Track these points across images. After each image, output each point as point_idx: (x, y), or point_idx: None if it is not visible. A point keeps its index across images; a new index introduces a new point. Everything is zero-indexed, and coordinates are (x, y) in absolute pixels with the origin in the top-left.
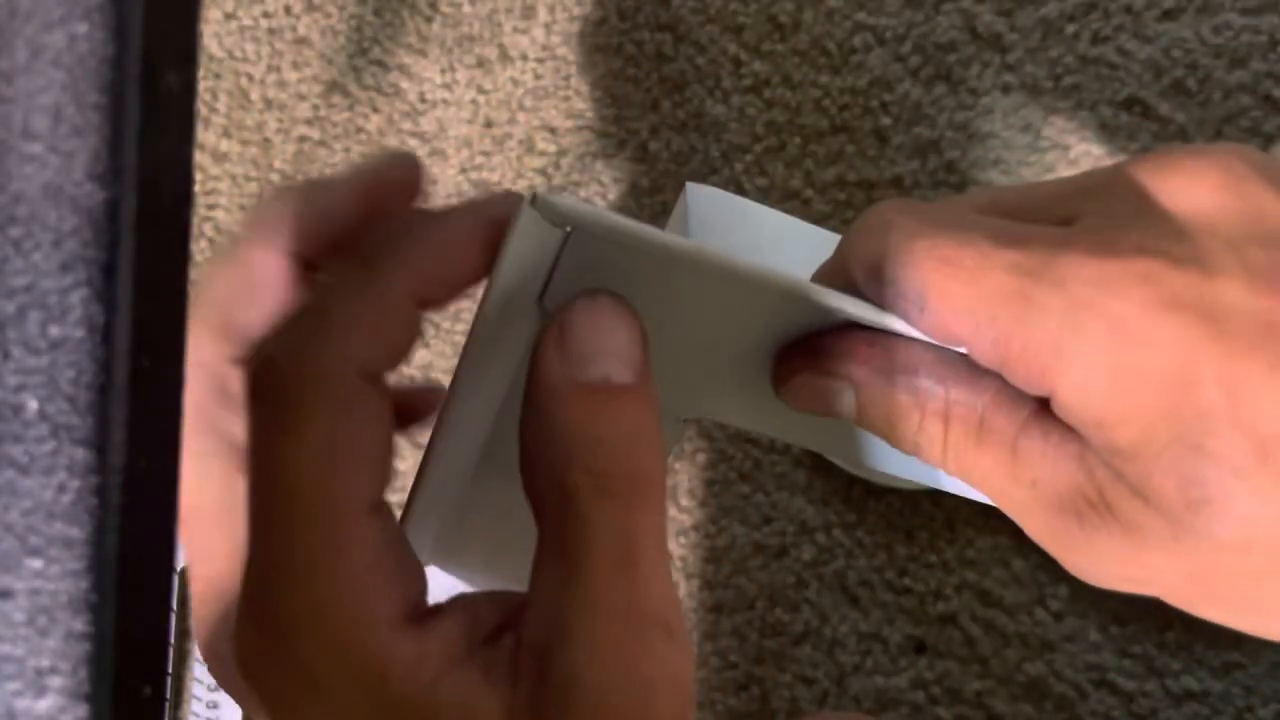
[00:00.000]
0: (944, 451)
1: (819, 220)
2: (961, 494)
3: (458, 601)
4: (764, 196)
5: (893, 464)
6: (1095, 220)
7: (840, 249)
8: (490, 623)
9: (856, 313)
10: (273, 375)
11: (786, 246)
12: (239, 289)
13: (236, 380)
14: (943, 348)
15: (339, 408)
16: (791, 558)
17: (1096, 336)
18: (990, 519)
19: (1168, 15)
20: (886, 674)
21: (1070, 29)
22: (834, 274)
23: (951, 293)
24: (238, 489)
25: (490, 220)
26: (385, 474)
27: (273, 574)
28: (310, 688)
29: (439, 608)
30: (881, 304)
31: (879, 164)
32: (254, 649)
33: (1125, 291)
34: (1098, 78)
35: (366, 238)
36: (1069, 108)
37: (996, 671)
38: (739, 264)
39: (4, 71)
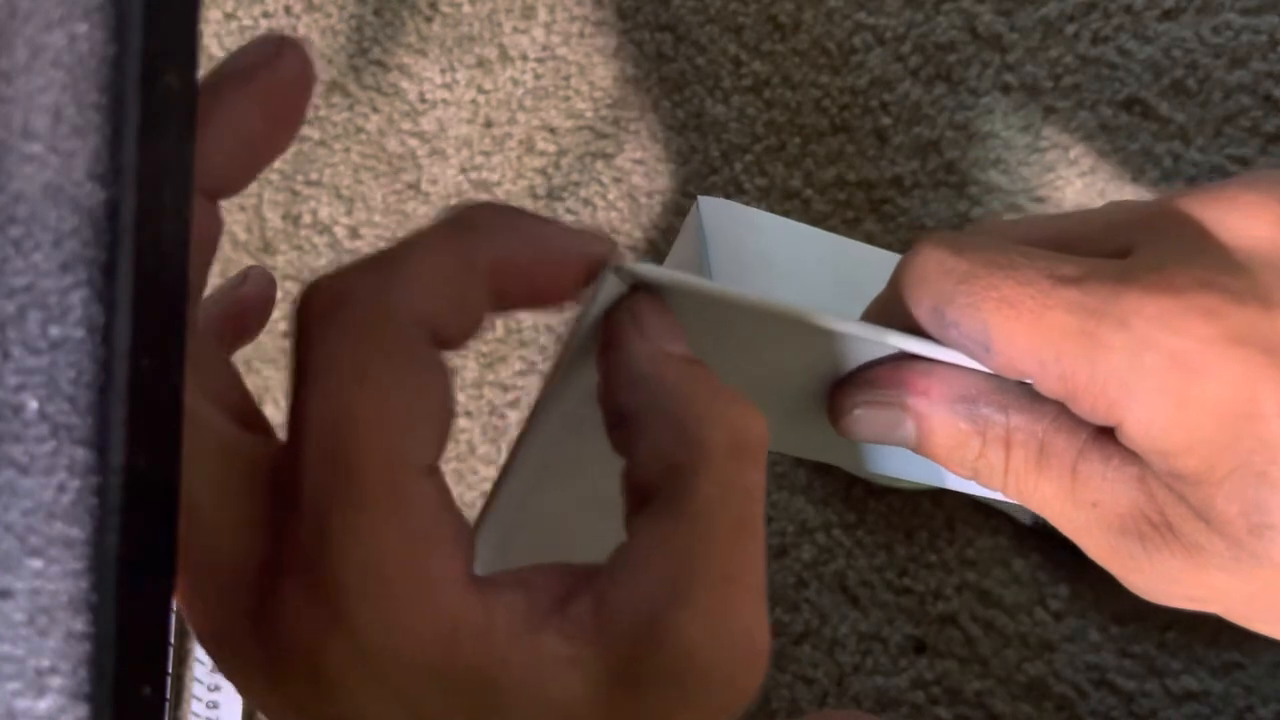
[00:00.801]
0: (1004, 477)
1: (819, 220)
2: (966, 492)
3: (508, 574)
4: (764, 196)
5: (910, 470)
6: (1152, 254)
7: (895, 287)
8: (552, 591)
9: (917, 349)
10: (345, 313)
11: (801, 255)
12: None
13: (193, 361)
14: (1000, 376)
15: (411, 360)
16: (791, 557)
17: (1162, 372)
18: (990, 519)
19: (1168, 15)
20: (886, 674)
21: (1070, 29)
22: (888, 310)
23: (1015, 333)
24: (237, 485)
25: (588, 258)
26: (445, 438)
27: (326, 531)
28: (362, 661)
29: (493, 578)
30: (944, 342)
31: (879, 164)
32: (298, 621)
33: (1188, 328)
34: (1098, 78)
35: (465, 205)
36: (1069, 108)
37: (996, 671)
38: (800, 310)
39: (4, 71)
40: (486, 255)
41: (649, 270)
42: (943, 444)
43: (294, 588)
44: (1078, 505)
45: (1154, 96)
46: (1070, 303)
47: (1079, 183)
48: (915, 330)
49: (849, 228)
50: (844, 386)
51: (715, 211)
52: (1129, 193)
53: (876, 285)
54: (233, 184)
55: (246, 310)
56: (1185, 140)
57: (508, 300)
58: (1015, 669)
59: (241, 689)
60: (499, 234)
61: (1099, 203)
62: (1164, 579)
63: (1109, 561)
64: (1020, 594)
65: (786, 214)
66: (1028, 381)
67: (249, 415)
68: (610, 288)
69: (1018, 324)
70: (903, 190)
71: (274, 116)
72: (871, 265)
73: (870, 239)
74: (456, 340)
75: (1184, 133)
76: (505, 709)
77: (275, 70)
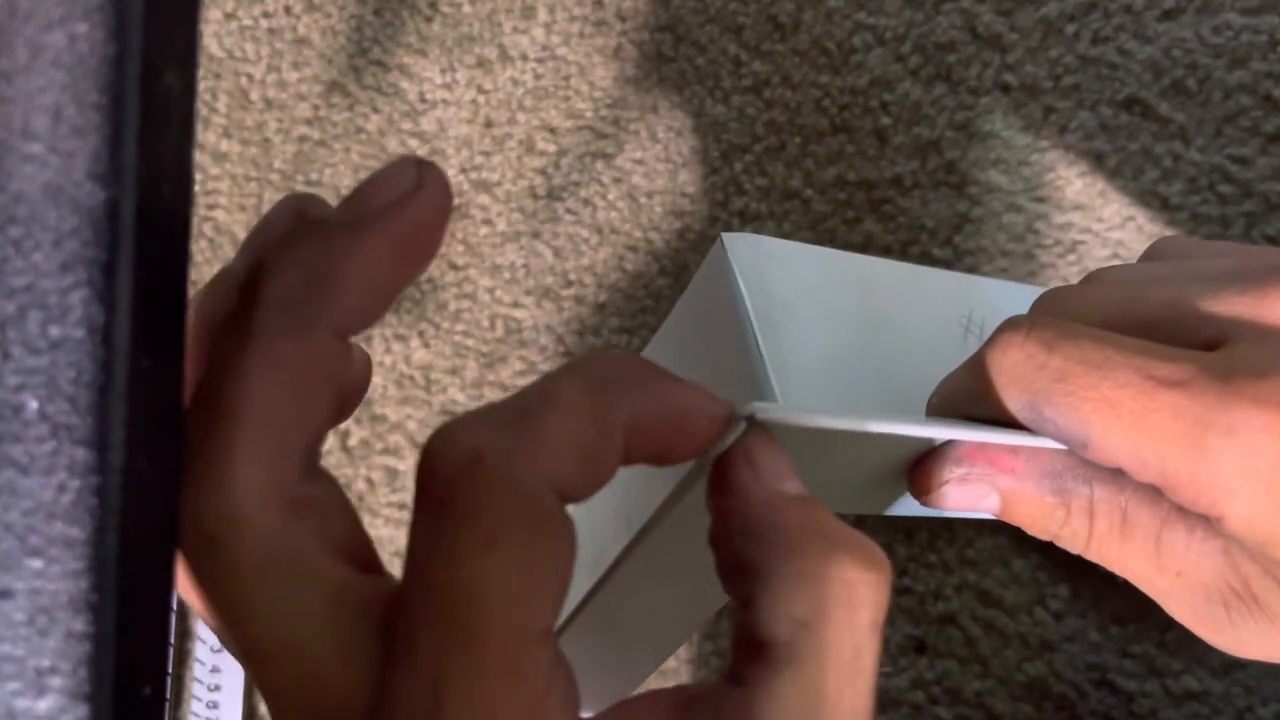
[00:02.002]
0: (1088, 543)
1: (819, 220)
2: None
3: (609, 714)
4: (764, 196)
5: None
6: (1252, 356)
7: (982, 378)
8: None
9: (1006, 441)
10: (479, 474)
11: (831, 281)
12: (287, 393)
13: (313, 507)
14: None
15: (540, 529)
16: None
17: (1267, 477)
18: (990, 519)
19: (1168, 15)
20: (886, 674)
21: (1070, 29)
22: (972, 397)
23: (1115, 434)
24: (347, 624)
25: (716, 421)
26: (563, 601)
27: (442, 692)
28: None
29: None
30: (1036, 433)
31: (879, 164)
32: None
33: None
34: (1098, 78)
35: (597, 357)
36: (1069, 108)
37: (996, 671)
38: (917, 431)
39: (4, 71)
40: (621, 418)
41: (787, 416)
42: (1028, 515)
43: None
44: (1162, 573)
45: (1154, 96)
46: (1174, 408)
47: (1079, 183)
48: (1001, 413)
49: (849, 228)
50: (930, 463)
51: (742, 248)
52: (1129, 192)
53: (905, 301)
54: (367, 322)
55: (348, 399)
56: (1185, 140)
57: (632, 456)
58: (1015, 669)
59: None
60: (633, 394)
61: (1099, 203)
62: (1248, 644)
63: (1193, 624)
64: (1020, 594)
65: (786, 214)
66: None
67: (363, 556)
68: (732, 434)
69: (1118, 425)
70: (903, 190)
71: (412, 256)
72: (899, 281)
73: (870, 239)
74: (583, 495)
75: (1184, 133)
76: None
77: (414, 209)
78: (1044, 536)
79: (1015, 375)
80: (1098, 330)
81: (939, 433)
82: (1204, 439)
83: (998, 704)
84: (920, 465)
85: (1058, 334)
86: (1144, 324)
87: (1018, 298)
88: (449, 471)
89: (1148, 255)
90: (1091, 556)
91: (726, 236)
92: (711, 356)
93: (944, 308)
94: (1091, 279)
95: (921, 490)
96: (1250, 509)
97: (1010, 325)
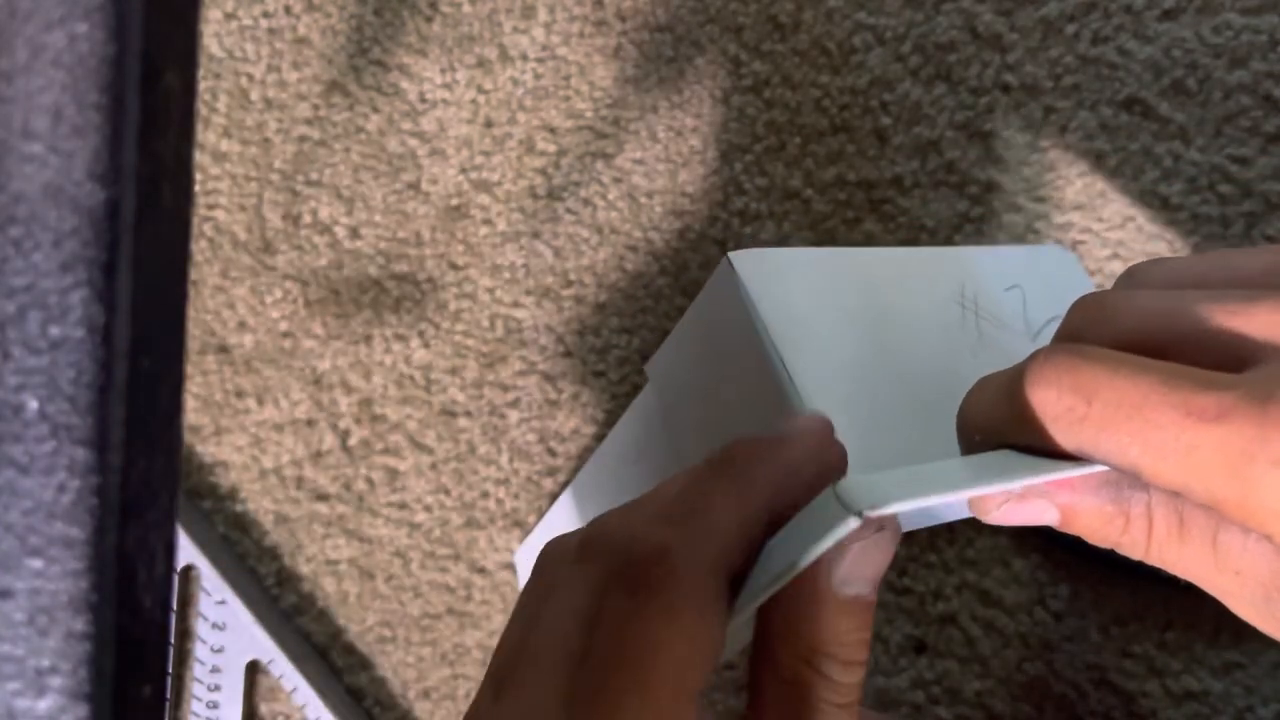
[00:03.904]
0: (1147, 549)
1: (819, 220)
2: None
3: None
4: (764, 196)
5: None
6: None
7: (1023, 410)
8: None
9: (1070, 475)
10: (666, 564)
11: (845, 283)
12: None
13: None
14: None
15: (709, 604)
16: None
17: None
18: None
19: (1168, 15)
20: (886, 674)
21: (1070, 29)
22: (1014, 426)
23: (1164, 470)
24: None
25: (831, 472)
26: (713, 670)
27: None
28: None
29: None
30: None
31: (879, 164)
32: None
33: None
34: (1098, 78)
35: (737, 453)
36: (1069, 108)
37: (996, 671)
38: (983, 490)
39: (4, 71)
40: (765, 501)
41: (888, 507)
42: (1088, 526)
43: None
44: (1221, 572)
45: (1154, 96)
46: (1217, 443)
47: (1079, 183)
48: (1050, 445)
49: (849, 228)
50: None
51: (750, 265)
52: (1129, 192)
53: (905, 290)
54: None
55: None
56: (1185, 140)
57: (775, 522)
58: (1015, 669)
59: None
60: (772, 477)
61: (1099, 203)
62: None
63: (1256, 621)
64: (1020, 594)
65: (786, 214)
66: None
67: None
68: (837, 524)
69: (1164, 463)
70: (903, 190)
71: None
72: (894, 270)
73: (870, 239)
74: (743, 570)
75: (1184, 133)
76: None
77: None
78: (1104, 545)
79: (1058, 426)
80: (1131, 361)
81: (1015, 485)
82: (1248, 471)
83: (998, 704)
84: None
85: (1092, 379)
86: (1182, 338)
87: (1003, 265)
88: (642, 560)
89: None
90: (1152, 561)
91: (734, 257)
92: (727, 375)
93: (939, 289)
94: (1131, 278)
95: (983, 511)
96: None
97: (1041, 371)
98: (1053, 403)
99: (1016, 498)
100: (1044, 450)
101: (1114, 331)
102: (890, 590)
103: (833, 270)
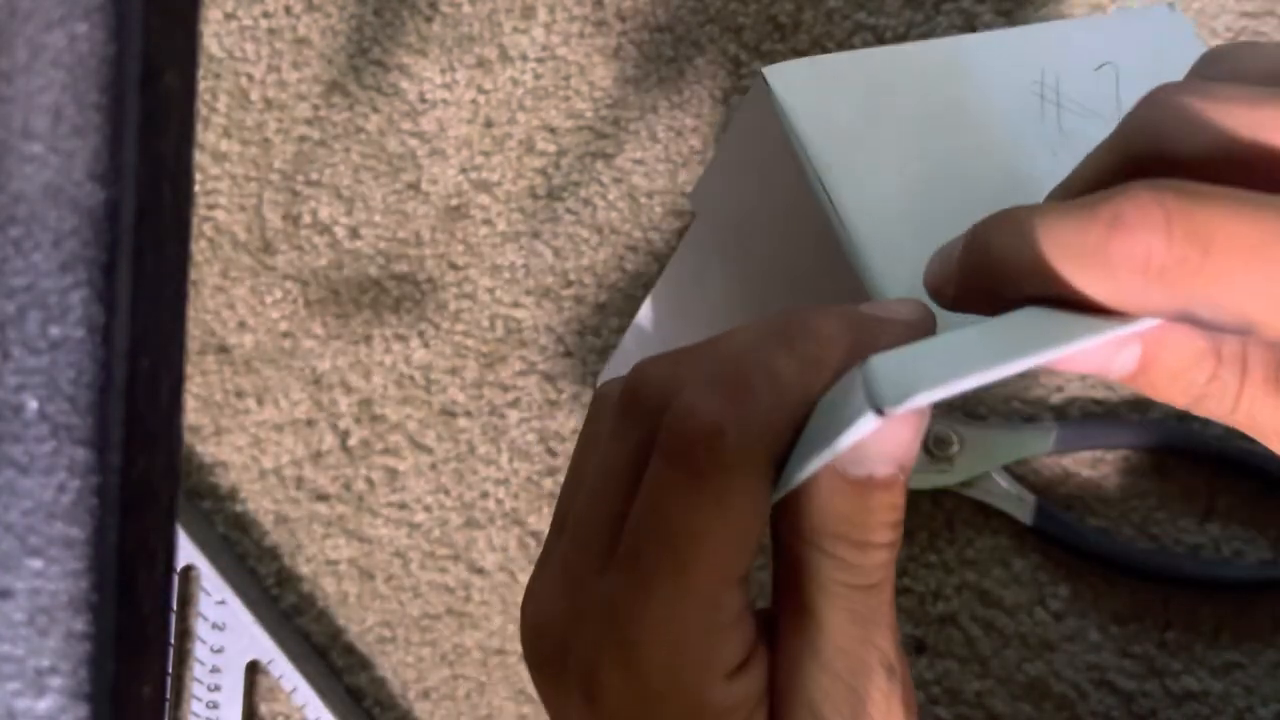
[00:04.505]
0: (1238, 399)
1: None
2: (967, 494)
3: (758, 655)
4: None
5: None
6: None
7: (1102, 254)
8: (768, 671)
9: (1132, 329)
10: (717, 447)
11: (903, 83)
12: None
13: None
14: None
15: (756, 489)
16: None
17: None
18: (990, 519)
19: None
20: None
21: None
22: (1079, 270)
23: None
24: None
25: (912, 329)
26: (756, 554)
27: (652, 611)
28: (644, 701)
29: (752, 664)
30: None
31: None
32: (609, 669)
33: None
34: None
35: (811, 322)
36: None
37: (996, 671)
38: (1033, 360)
39: (4, 71)
40: (826, 379)
41: (917, 398)
42: (1173, 365)
43: (605, 625)
44: None
45: None
46: None
47: None
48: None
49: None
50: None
51: (787, 78)
52: None
53: (973, 82)
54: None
55: None
56: None
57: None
58: (1015, 669)
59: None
60: (845, 364)
61: None
62: None
63: None
64: (1020, 594)
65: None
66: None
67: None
68: (860, 412)
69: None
70: None
71: None
72: (961, 61)
73: None
74: (787, 449)
75: None
76: None
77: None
78: (1184, 398)
79: (1164, 280)
80: (1250, 199)
81: (1071, 348)
82: None
83: (998, 704)
84: None
85: (1208, 222)
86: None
87: (1094, 39)
88: (696, 437)
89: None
90: (1239, 417)
91: (769, 72)
92: (773, 208)
93: (1013, 77)
94: (1215, 65)
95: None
96: None
97: (1143, 213)
98: (1161, 253)
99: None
100: (1095, 306)
101: (1208, 144)
102: None
103: (886, 72)
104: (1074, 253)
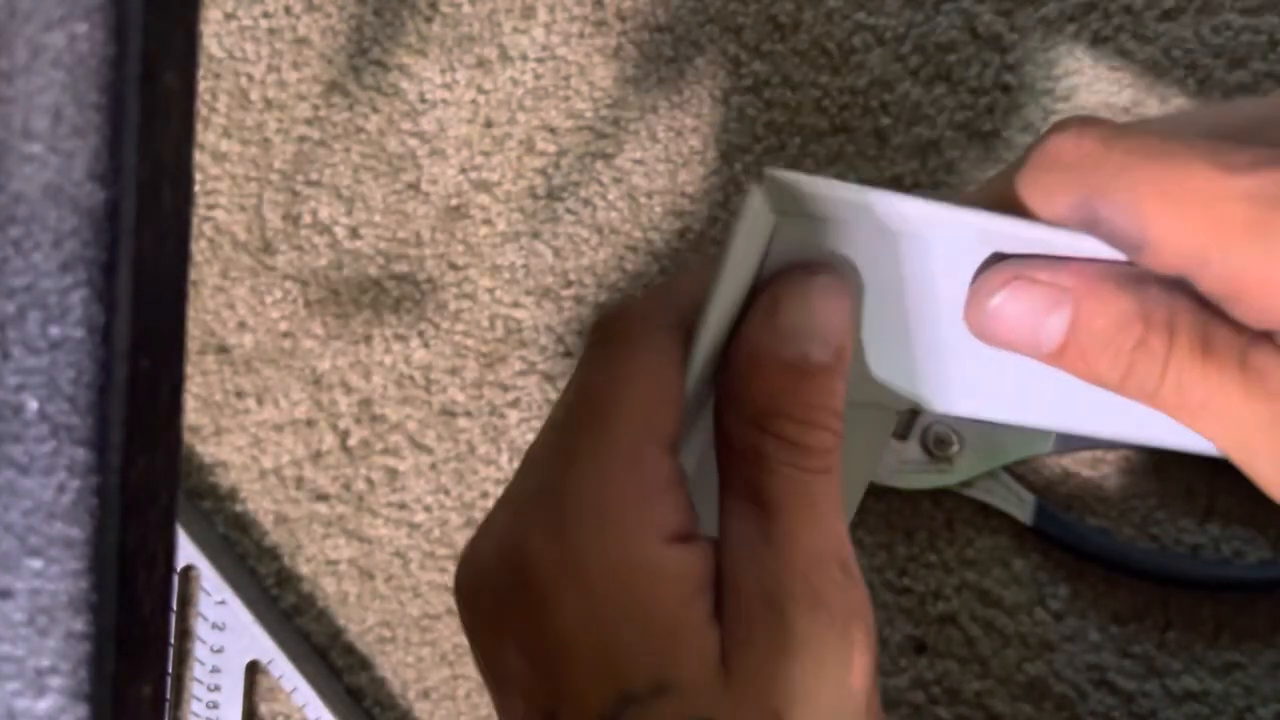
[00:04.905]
0: (1164, 370)
1: None
2: (967, 494)
3: (705, 540)
4: None
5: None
6: None
7: (1019, 180)
8: (715, 564)
9: (1047, 236)
10: (623, 320)
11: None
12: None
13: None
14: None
15: (667, 349)
16: None
17: None
18: (990, 519)
19: (1168, 15)
20: (886, 674)
21: (1070, 29)
22: (1004, 203)
23: (1178, 229)
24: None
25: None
26: (681, 422)
27: (576, 474)
28: (579, 580)
29: (697, 541)
30: (1090, 233)
31: (879, 164)
32: (537, 539)
33: None
34: (1098, 78)
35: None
36: (1069, 108)
37: (996, 671)
38: (937, 204)
39: (4, 71)
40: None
41: (804, 181)
42: (1102, 330)
43: (537, 515)
44: (1248, 398)
45: (1154, 97)
46: (1245, 192)
47: None
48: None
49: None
50: (987, 273)
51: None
52: None
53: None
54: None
55: None
56: None
57: None
58: (1015, 669)
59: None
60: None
61: None
62: None
63: (1273, 477)
64: (1020, 594)
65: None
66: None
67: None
68: (755, 204)
69: (1180, 218)
70: (903, 190)
71: None
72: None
73: None
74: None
75: None
76: (655, 637)
77: None
78: (1113, 371)
79: (1068, 172)
80: (1160, 129)
81: (971, 218)
82: (1276, 222)
83: (998, 704)
84: (973, 285)
85: (1116, 129)
86: (1213, 133)
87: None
88: (608, 316)
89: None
90: (1167, 391)
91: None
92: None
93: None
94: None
95: (977, 306)
96: None
97: (1060, 124)
98: (1068, 150)
99: (1025, 281)
100: (1026, 211)
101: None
102: (890, 590)
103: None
104: (1017, 168)
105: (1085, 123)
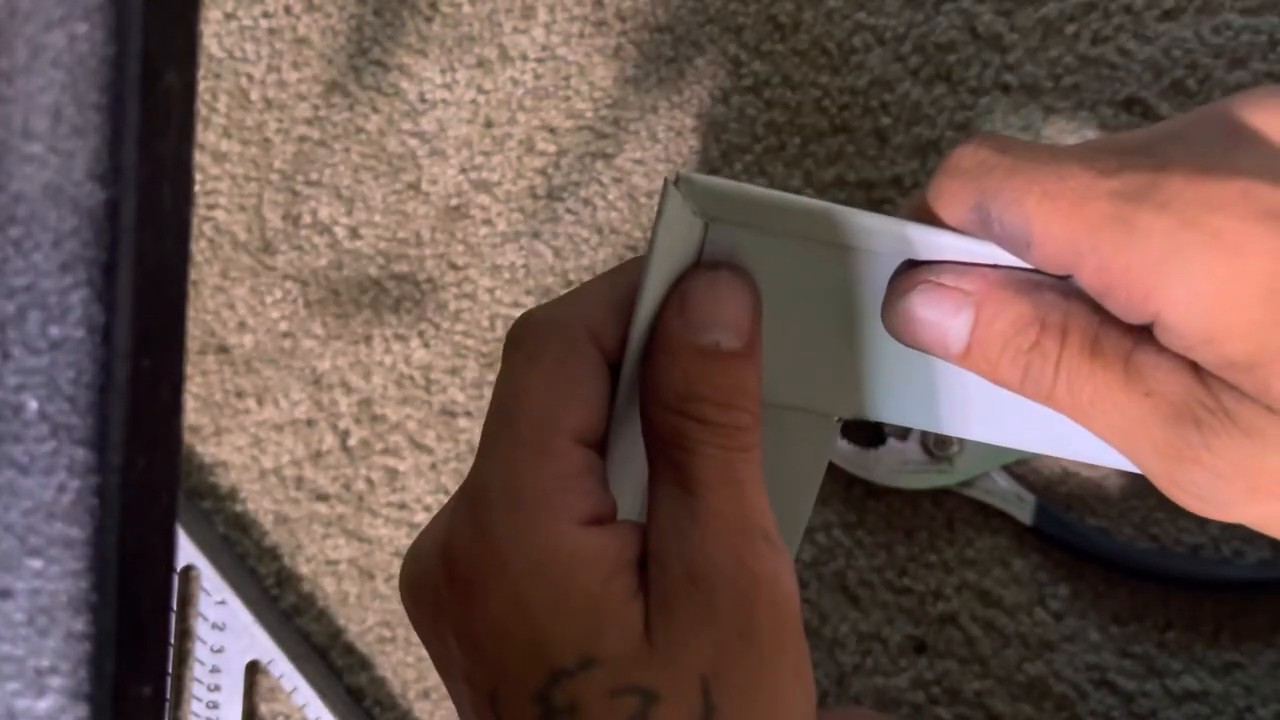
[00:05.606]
0: (1056, 369)
1: None
2: (967, 494)
3: (624, 523)
4: None
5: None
6: (1185, 150)
7: (929, 191)
8: (639, 545)
9: (970, 249)
10: (527, 327)
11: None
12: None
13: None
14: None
15: (568, 350)
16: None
17: (1201, 252)
18: (990, 519)
19: (1168, 15)
20: (886, 674)
21: (1070, 29)
22: (916, 214)
23: (1055, 225)
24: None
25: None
26: (598, 416)
27: (491, 470)
28: (500, 569)
29: (614, 524)
30: (985, 237)
31: (879, 164)
32: (462, 534)
33: (1224, 207)
34: (1098, 78)
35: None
36: (1069, 108)
37: (996, 671)
38: (852, 211)
39: (4, 71)
40: (630, 281)
41: (707, 180)
42: (1001, 332)
43: (462, 512)
44: (1130, 395)
45: (1154, 96)
46: (1110, 191)
47: None
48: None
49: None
50: (900, 277)
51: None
52: None
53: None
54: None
55: None
56: None
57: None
58: (1015, 669)
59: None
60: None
61: None
62: (1220, 471)
63: (1162, 458)
64: (1020, 594)
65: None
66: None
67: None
68: (673, 206)
69: (1057, 215)
70: (902, 190)
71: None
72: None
73: None
74: (617, 334)
75: None
76: (577, 616)
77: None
78: (1013, 371)
79: (966, 177)
80: (1048, 148)
81: (887, 225)
82: (1135, 218)
83: (998, 704)
84: (890, 285)
85: (1011, 140)
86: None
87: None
88: (517, 323)
89: None
90: (1060, 390)
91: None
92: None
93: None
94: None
95: (891, 305)
96: (1186, 295)
97: (963, 140)
98: (967, 158)
99: (933, 286)
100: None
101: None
102: (890, 590)
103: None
104: (923, 197)
105: (986, 135)
